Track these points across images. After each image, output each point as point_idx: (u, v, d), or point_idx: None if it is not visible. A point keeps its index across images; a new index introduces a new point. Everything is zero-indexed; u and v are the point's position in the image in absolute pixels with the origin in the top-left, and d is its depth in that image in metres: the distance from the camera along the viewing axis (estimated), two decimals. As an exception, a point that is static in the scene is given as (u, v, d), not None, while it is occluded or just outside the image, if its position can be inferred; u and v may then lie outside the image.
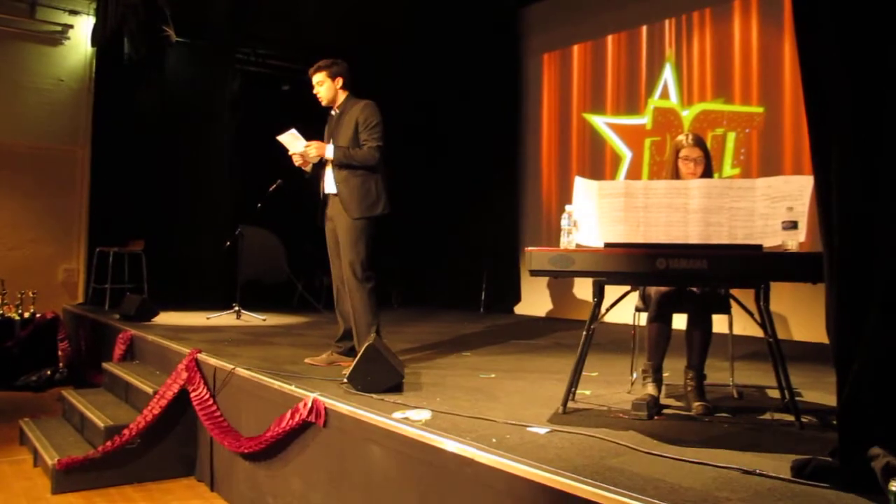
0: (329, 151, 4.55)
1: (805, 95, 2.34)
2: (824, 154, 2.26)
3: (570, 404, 3.31)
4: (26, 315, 7.80)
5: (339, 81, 4.67)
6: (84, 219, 9.16)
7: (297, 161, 4.67)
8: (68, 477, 4.30)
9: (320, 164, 4.68)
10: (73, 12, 9.18)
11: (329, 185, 4.63)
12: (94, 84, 9.17)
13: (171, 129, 8.96)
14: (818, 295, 2.38)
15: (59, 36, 9.14)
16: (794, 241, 3.06)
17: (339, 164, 4.55)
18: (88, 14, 9.22)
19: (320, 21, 8.73)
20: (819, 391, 3.80)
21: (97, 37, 8.93)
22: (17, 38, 8.90)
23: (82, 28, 9.23)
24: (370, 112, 4.58)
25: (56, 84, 9.15)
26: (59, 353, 7.66)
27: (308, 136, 4.64)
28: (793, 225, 3.05)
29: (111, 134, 8.91)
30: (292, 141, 4.64)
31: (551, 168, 8.85)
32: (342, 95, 4.70)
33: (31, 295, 7.94)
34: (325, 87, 4.66)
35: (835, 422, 2.31)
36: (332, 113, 4.74)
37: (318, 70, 4.67)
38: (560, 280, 8.19)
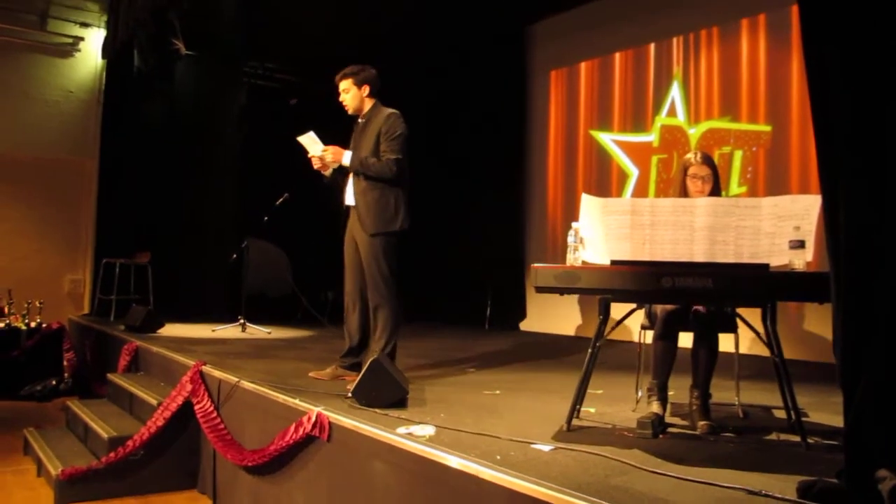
0: (346, 158, 4.48)
1: (813, 115, 2.34)
2: (832, 173, 2.26)
3: (575, 422, 3.30)
4: (32, 325, 7.82)
5: (366, 89, 4.58)
6: (91, 230, 9.19)
7: (315, 164, 4.59)
8: (71, 487, 4.30)
9: (342, 174, 4.61)
10: (84, 25, 9.26)
11: (349, 196, 4.57)
12: (103, 96, 9.23)
13: (179, 142, 9.00)
14: (825, 315, 2.37)
15: (69, 48, 9.21)
16: (801, 260, 3.04)
17: (355, 174, 4.50)
18: (99, 27, 9.29)
19: (328, 35, 8.78)
20: (825, 412, 3.78)
21: (107, 49, 9.00)
22: (28, 50, 8.97)
23: (93, 40, 9.30)
24: (394, 122, 4.48)
25: (65, 95, 9.21)
26: (65, 363, 7.68)
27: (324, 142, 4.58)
28: (800, 244, 3.04)
29: (119, 146, 8.96)
30: (311, 143, 4.56)
31: (557, 184, 8.86)
32: (368, 103, 4.61)
33: (37, 305, 7.96)
34: (350, 94, 4.57)
35: (841, 443, 2.30)
36: (359, 121, 4.65)
37: (345, 77, 4.58)
38: (566, 297, 8.16)
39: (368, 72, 4.61)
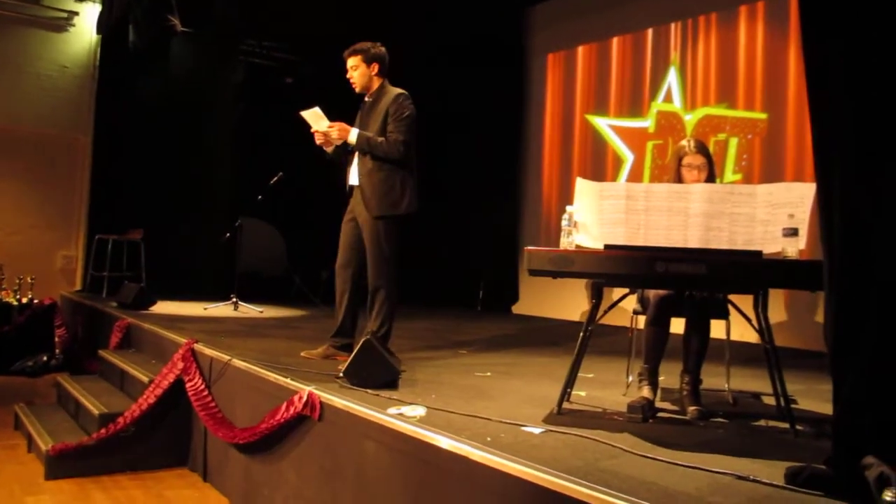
0: (353, 135, 4.39)
1: (809, 103, 2.34)
2: (827, 162, 2.26)
3: (566, 405, 3.32)
4: (24, 300, 7.80)
5: (375, 67, 4.49)
6: (84, 206, 9.17)
7: (318, 140, 4.49)
8: (61, 463, 4.30)
9: (345, 151, 4.54)
10: (79, -1, 9.19)
11: (353, 176, 4.52)
12: (97, 71, 9.19)
13: (174, 119, 8.95)
14: (816, 303, 2.38)
15: (64, 22, 9.14)
16: (794, 248, 3.05)
17: (361, 153, 4.44)
18: (94, 1, 9.22)
19: (326, 14, 8.73)
20: (814, 399, 3.80)
21: (102, 24, 8.94)
22: (23, 24, 8.90)
23: (88, 15, 9.23)
24: (402, 103, 4.41)
25: (60, 71, 9.15)
26: (56, 339, 7.66)
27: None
28: (793, 232, 3.04)
29: (113, 122, 8.92)
30: (315, 119, 4.46)
31: (552, 168, 8.85)
32: (376, 82, 4.52)
33: (29, 280, 7.94)
34: (358, 71, 4.48)
35: (829, 430, 2.32)
36: (366, 100, 4.58)
37: (354, 53, 4.49)
38: (559, 281, 8.15)
39: (378, 49, 4.53)
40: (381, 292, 4.44)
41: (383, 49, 4.56)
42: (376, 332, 4.31)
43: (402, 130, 4.38)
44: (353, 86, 4.57)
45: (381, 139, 4.38)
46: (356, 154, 4.50)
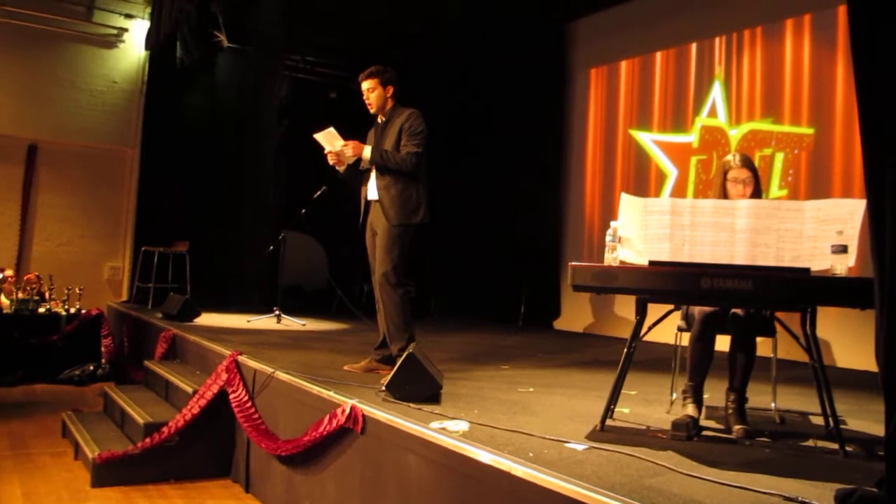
0: (366, 151, 4.57)
1: (860, 117, 2.29)
2: (879, 177, 2.22)
3: (609, 422, 3.28)
4: (72, 310, 7.96)
5: (391, 90, 4.69)
6: (131, 218, 9.35)
7: (331, 160, 4.70)
8: (107, 471, 4.38)
9: (357, 169, 4.72)
10: (129, 16, 9.40)
11: (371, 191, 4.65)
12: (146, 87, 9.39)
13: (219, 133, 9.11)
14: (865, 321, 2.34)
15: (114, 39, 9.36)
16: (843, 265, 3.00)
17: (375, 167, 4.58)
18: (143, 18, 9.43)
19: (370, 30, 8.82)
20: (865, 419, 3.72)
21: (151, 41, 9.13)
22: (74, 41, 9.13)
23: (137, 32, 9.44)
24: (415, 120, 4.60)
25: (109, 86, 9.35)
26: (102, 349, 7.81)
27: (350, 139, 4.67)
28: (842, 249, 2.99)
29: (161, 136, 9.10)
30: (330, 139, 4.66)
31: (595, 183, 8.81)
32: (390, 103, 4.72)
33: (77, 291, 8.10)
34: (375, 94, 4.68)
35: (882, 452, 2.27)
36: (379, 120, 4.77)
37: (370, 76, 4.68)
38: (601, 296, 8.13)
39: (392, 73, 4.72)
40: (389, 313, 4.54)
41: (395, 72, 4.75)
42: (404, 346, 4.34)
43: (415, 144, 4.55)
44: (370, 107, 4.75)
45: (394, 153, 4.56)
46: (373, 171, 4.64)
